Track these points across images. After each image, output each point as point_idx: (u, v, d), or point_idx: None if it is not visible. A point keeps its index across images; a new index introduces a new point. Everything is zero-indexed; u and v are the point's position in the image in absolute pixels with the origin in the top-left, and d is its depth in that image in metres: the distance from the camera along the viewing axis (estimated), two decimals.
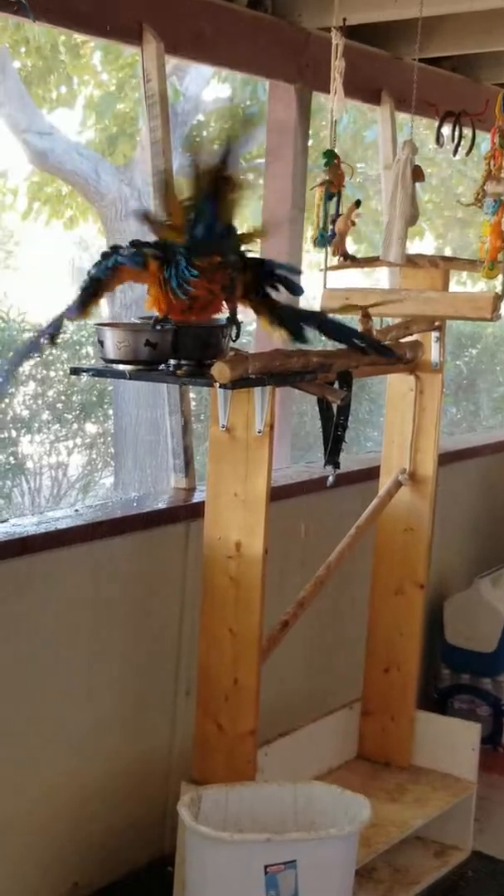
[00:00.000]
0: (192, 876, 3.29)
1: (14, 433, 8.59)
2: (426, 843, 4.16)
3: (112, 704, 3.80)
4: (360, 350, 3.44)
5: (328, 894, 3.30)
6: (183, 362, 3.22)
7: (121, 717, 3.84)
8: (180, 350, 3.19)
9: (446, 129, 3.97)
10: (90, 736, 3.73)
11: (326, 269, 3.80)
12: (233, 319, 3.28)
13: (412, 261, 3.92)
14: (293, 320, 3.27)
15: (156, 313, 3.19)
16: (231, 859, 3.22)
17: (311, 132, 4.78)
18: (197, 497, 4.00)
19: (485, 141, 3.97)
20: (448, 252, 12.22)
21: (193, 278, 3.10)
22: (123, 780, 3.85)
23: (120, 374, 3.22)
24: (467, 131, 3.95)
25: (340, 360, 3.49)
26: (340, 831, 3.30)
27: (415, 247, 4.29)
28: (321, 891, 3.27)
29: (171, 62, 4.14)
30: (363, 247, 10.38)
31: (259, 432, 3.33)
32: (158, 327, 3.17)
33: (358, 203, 3.75)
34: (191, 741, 3.57)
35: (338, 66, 3.72)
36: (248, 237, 3.27)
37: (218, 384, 3.13)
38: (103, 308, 10.24)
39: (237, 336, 3.30)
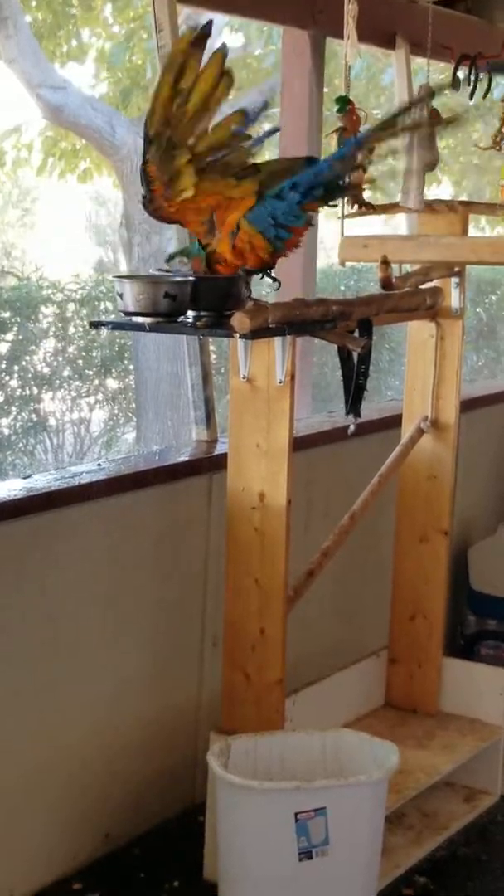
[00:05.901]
0: (222, 825, 3.32)
1: (36, 390, 8.61)
2: (455, 789, 4.18)
3: (139, 657, 3.82)
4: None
5: (358, 840, 3.32)
6: (202, 313, 3.21)
7: (148, 669, 3.85)
8: (200, 301, 3.18)
9: (462, 73, 3.94)
10: (118, 688, 3.76)
11: (343, 216, 3.77)
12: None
13: (430, 206, 3.90)
14: None
15: (180, 267, 3.19)
16: (261, 807, 3.24)
17: (325, 79, 4.73)
18: (219, 449, 3.99)
19: (498, 87, 3.94)
20: (464, 199, 12.13)
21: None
22: (153, 732, 3.87)
23: (139, 327, 3.21)
24: (483, 75, 3.91)
25: (360, 308, 3.48)
26: (369, 778, 3.31)
27: (432, 193, 4.23)
28: (351, 837, 3.29)
29: (184, 12, 4.10)
30: (377, 195, 10.31)
31: (280, 382, 3.32)
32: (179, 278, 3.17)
33: (373, 149, 3.71)
34: (219, 692, 3.59)
35: (351, 10, 3.68)
36: None
37: (238, 335, 3.12)
38: (121, 262, 10.22)
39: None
